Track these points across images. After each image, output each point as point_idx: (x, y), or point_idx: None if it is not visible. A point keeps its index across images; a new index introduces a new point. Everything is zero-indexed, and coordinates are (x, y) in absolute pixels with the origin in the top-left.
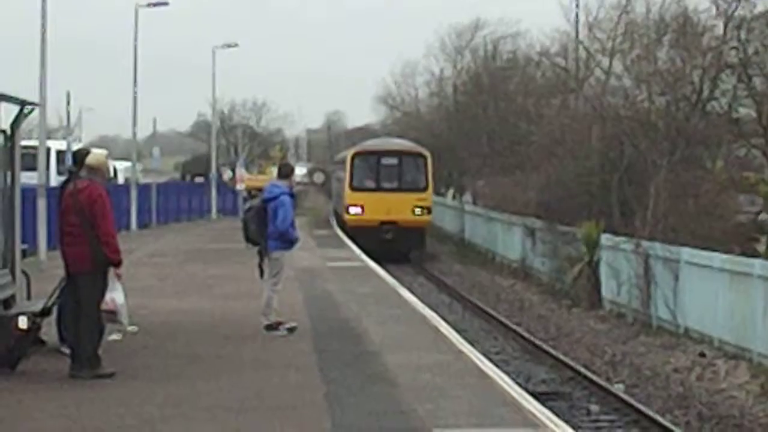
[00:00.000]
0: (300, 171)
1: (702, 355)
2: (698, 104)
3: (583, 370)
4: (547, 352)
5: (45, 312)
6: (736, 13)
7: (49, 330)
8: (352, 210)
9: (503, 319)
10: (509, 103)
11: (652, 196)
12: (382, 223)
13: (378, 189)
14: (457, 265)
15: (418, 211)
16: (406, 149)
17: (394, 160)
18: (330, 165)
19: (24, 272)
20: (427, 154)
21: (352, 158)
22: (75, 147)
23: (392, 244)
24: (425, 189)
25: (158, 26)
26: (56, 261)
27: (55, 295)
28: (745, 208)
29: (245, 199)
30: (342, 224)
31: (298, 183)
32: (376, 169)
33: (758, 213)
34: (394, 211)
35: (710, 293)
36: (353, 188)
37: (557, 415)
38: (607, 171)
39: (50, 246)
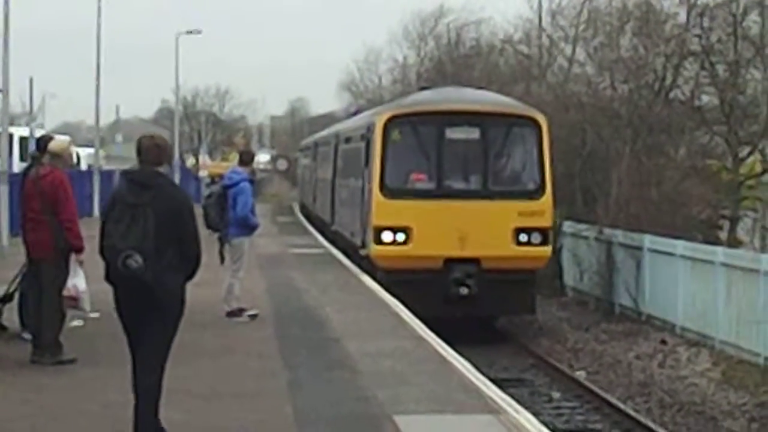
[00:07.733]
0: (264, 158)
1: (663, 342)
2: (661, 92)
3: (545, 356)
4: (509, 339)
5: (6, 298)
6: (699, 1)
7: (10, 316)
8: (387, 236)
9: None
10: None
11: (615, 183)
12: (450, 262)
13: (440, 193)
14: None
15: (524, 236)
16: (498, 109)
17: (473, 132)
18: (299, 152)
19: None
20: (542, 119)
21: (385, 127)
22: (38, 133)
23: (470, 307)
24: (539, 192)
25: (121, 12)
26: (18, 247)
27: (17, 281)
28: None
29: (208, 186)
30: (359, 261)
31: (262, 170)
32: (437, 150)
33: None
34: (475, 239)
35: (672, 280)
36: (386, 192)
37: (518, 401)
38: (569, 158)
39: (13, 232)
